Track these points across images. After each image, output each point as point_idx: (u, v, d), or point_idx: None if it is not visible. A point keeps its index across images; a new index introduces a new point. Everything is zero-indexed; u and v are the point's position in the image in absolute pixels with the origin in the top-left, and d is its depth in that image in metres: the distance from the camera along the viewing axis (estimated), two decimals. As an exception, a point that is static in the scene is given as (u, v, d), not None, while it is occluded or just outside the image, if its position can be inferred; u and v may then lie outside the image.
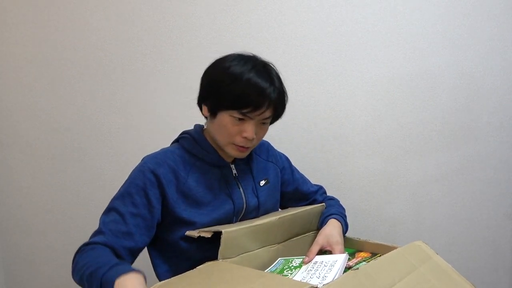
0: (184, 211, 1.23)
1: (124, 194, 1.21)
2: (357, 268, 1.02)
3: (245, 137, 1.22)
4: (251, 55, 1.29)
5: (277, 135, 1.56)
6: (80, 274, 1.10)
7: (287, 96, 1.30)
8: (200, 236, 1.17)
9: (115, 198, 1.22)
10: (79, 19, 1.86)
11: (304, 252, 1.32)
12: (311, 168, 1.79)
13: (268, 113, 1.23)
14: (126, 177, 1.87)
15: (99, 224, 1.20)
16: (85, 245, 1.17)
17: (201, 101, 1.31)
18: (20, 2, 1.88)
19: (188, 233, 1.20)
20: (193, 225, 1.23)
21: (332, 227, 1.36)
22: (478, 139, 1.79)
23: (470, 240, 1.84)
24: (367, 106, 1.80)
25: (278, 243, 1.30)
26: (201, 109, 1.33)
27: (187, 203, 1.24)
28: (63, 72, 1.89)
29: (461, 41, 1.76)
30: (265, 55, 1.76)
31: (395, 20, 1.76)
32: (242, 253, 1.19)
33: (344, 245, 1.39)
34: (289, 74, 1.79)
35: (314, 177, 1.62)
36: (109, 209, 1.21)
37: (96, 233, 1.19)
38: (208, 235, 1.15)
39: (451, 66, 1.77)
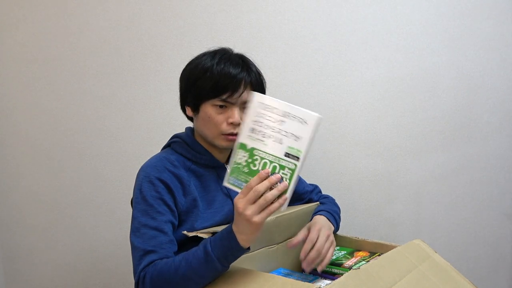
0: (189, 216, 1.23)
1: (146, 210, 1.19)
2: (358, 268, 1.03)
3: (231, 123, 1.23)
4: (217, 49, 1.31)
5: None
6: (175, 280, 1.07)
7: (264, 79, 1.32)
8: (194, 239, 1.15)
9: (138, 217, 1.19)
10: (79, 19, 1.86)
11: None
12: (311, 168, 1.79)
13: (246, 95, 1.24)
14: (126, 177, 1.88)
15: (136, 247, 1.15)
16: (142, 270, 1.12)
17: (183, 103, 1.33)
18: (20, 2, 1.88)
19: (185, 232, 1.20)
20: (195, 230, 1.22)
21: (316, 221, 1.34)
22: (478, 139, 1.79)
23: (470, 240, 1.84)
24: (367, 106, 1.80)
25: (277, 243, 1.29)
26: (185, 113, 1.34)
27: (191, 207, 1.24)
28: (63, 72, 1.89)
29: (461, 41, 1.76)
30: (265, 55, 1.77)
31: (395, 20, 1.76)
32: (242, 254, 1.19)
33: (342, 244, 1.38)
34: (289, 74, 1.80)
35: (314, 177, 1.62)
36: (139, 228, 1.17)
37: (143, 255, 1.14)
38: (206, 236, 1.14)
39: (451, 66, 1.77)
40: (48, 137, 1.92)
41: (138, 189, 1.22)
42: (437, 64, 1.77)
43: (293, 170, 1.02)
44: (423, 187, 1.83)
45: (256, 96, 1.07)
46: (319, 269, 1.21)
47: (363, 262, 1.21)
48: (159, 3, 1.82)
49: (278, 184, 1.01)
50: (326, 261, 1.22)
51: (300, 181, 1.55)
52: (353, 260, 1.22)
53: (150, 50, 1.84)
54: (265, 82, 1.33)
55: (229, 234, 1.04)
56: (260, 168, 1.03)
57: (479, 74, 1.77)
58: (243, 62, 1.27)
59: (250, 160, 1.05)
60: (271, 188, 1.00)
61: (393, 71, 1.78)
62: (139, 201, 1.20)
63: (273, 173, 1.02)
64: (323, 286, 0.95)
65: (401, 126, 1.80)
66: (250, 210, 0.99)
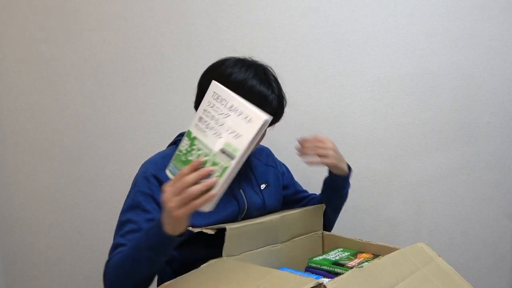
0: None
1: (133, 205, 1.19)
2: (362, 267, 1.03)
3: None
4: (250, 59, 1.28)
5: (277, 136, 1.56)
6: (122, 270, 1.08)
7: (286, 99, 1.31)
8: (197, 236, 1.15)
9: (125, 211, 1.20)
10: (79, 19, 1.85)
11: (306, 253, 1.33)
12: (311, 168, 1.79)
13: None
14: (126, 177, 1.86)
15: (115, 239, 1.17)
16: (108, 261, 1.14)
17: (198, 106, 1.30)
18: (20, 2, 1.87)
19: (190, 228, 1.19)
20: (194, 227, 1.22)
21: None
22: (478, 139, 1.80)
23: (470, 240, 1.84)
24: (367, 106, 1.81)
25: (281, 242, 1.30)
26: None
27: None
28: (63, 72, 1.88)
29: (461, 41, 1.76)
30: (265, 55, 1.76)
31: (395, 20, 1.76)
32: (246, 251, 1.19)
33: (346, 246, 1.39)
34: (289, 74, 1.79)
35: (314, 178, 1.62)
36: (122, 223, 1.19)
37: (115, 247, 1.15)
38: (212, 231, 1.13)
39: (451, 66, 1.77)
40: (48, 137, 1.92)
41: (134, 183, 1.24)
42: (437, 64, 1.78)
43: (225, 169, 0.94)
44: (423, 187, 1.83)
45: (212, 85, 1.01)
46: (316, 160, 1.32)
47: (366, 263, 1.21)
48: (159, 3, 1.81)
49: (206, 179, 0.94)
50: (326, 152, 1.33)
51: (295, 182, 1.56)
52: (356, 261, 1.22)
53: (150, 50, 1.84)
54: (286, 103, 1.32)
55: (157, 223, 1.01)
56: (194, 159, 0.98)
57: (479, 74, 1.77)
58: (271, 86, 1.24)
59: (189, 149, 1.00)
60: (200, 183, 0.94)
61: (393, 71, 1.79)
62: (130, 194, 1.22)
63: (204, 166, 0.96)
64: (326, 282, 0.95)
65: (401, 126, 1.81)
66: (173, 203, 0.94)
